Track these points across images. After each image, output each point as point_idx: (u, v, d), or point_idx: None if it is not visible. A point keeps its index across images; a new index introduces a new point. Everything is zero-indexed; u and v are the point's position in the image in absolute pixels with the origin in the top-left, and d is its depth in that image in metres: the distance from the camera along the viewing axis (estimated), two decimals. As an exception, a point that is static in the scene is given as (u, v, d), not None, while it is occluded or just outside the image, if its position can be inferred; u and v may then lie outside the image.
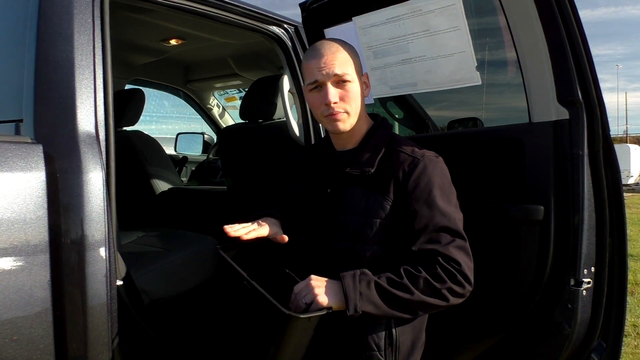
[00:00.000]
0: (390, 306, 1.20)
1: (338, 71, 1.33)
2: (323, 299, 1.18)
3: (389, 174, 1.32)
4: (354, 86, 1.35)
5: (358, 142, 1.41)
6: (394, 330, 1.29)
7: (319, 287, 1.20)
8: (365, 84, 1.42)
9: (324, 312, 1.16)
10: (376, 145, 1.37)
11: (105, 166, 1.33)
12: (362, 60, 1.88)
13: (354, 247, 1.33)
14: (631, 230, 6.71)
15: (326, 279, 1.23)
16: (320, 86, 1.35)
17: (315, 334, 1.19)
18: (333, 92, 1.33)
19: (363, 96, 1.40)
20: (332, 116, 1.35)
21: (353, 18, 1.86)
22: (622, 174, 1.45)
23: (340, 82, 1.34)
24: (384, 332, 1.28)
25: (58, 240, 1.21)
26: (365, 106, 1.44)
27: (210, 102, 4.23)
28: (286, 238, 1.41)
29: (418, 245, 1.25)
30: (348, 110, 1.35)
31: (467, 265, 1.25)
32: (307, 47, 2.12)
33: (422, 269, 1.22)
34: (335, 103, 1.34)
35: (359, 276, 1.21)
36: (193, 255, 1.87)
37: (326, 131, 1.53)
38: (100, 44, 1.37)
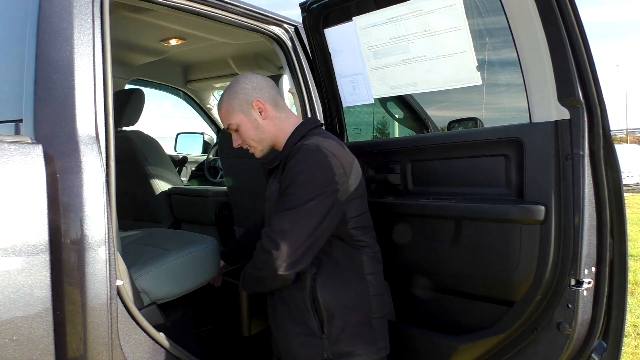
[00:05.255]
0: (247, 285, 1.60)
1: (225, 125, 1.67)
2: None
3: (284, 166, 1.52)
4: (243, 126, 1.62)
5: None
6: (318, 294, 1.49)
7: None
8: (260, 110, 1.61)
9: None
10: (288, 143, 1.61)
11: (105, 166, 1.33)
12: (362, 60, 1.89)
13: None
14: (631, 230, 6.71)
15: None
16: None
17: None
18: (234, 139, 1.68)
19: (263, 120, 1.62)
20: (248, 151, 1.68)
21: (353, 18, 1.86)
22: (622, 173, 1.44)
23: (232, 130, 1.65)
24: (310, 296, 1.50)
25: (58, 240, 1.21)
26: (289, 114, 1.67)
27: (210, 102, 4.23)
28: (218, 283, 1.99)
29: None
30: (251, 144, 1.66)
31: (282, 231, 1.41)
32: (307, 47, 2.13)
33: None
34: (239, 144, 1.67)
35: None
36: (193, 255, 1.86)
37: None
38: (100, 44, 1.37)
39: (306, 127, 1.63)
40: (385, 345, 1.59)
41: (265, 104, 1.62)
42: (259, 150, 1.67)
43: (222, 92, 1.69)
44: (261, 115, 1.62)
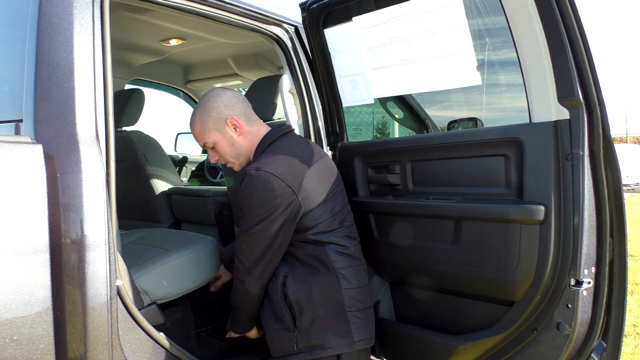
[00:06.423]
0: (232, 318, 1.71)
1: (201, 144, 1.70)
2: None
3: None
4: (219, 144, 1.66)
5: None
6: (287, 290, 1.57)
7: None
8: (234, 127, 1.65)
9: None
10: (253, 159, 1.68)
11: (105, 166, 1.33)
12: (362, 60, 1.89)
13: None
14: (631, 230, 6.71)
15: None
16: None
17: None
18: (211, 155, 1.72)
19: (238, 137, 1.66)
20: (226, 166, 1.73)
21: (353, 18, 1.86)
22: (622, 173, 1.44)
23: (209, 147, 1.69)
24: (281, 293, 1.58)
25: (58, 240, 1.21)
26: (259, 126, 1.70)
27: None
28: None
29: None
30: (229, 160, 1.70)
31: (241, 250, 1.56)
32: (307, 47, 2.12)
33: None
34: (217, 160, 1.71)
35: None
36: (193, 255, 1.87)
37: None
38: (100, 44, 1.37)
39: (266, 142, 1.67)
40: (364, 339, 1.60)
41: (239, 120, 1.66)
42: (237, 164, 1.72)
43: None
44: (236, 131, 1.66)
